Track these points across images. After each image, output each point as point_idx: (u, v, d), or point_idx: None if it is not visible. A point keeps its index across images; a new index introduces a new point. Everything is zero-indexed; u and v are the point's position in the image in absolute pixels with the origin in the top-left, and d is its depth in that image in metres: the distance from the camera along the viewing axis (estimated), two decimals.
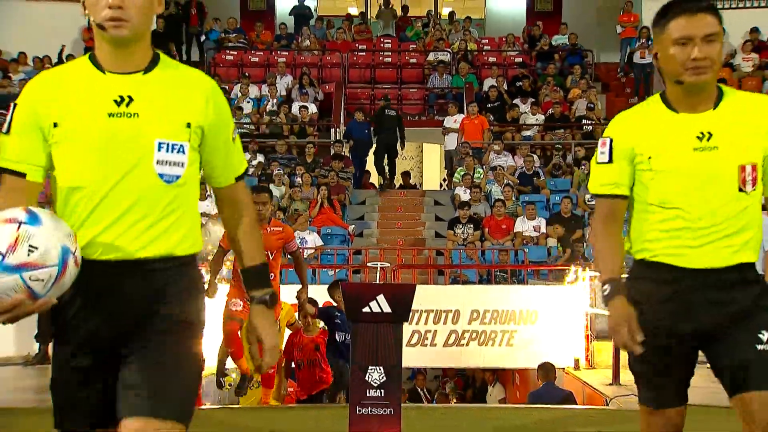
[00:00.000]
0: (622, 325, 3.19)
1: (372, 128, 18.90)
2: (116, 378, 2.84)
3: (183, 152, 2.85)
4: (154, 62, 2.91)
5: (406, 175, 21.79)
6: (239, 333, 8.03)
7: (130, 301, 2.82)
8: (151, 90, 2.85)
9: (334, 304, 9.89)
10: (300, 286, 8.38)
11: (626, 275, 3.39)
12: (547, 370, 10.46)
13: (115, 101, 2.80)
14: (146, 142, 2.80)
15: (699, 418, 7.74)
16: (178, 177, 2.85)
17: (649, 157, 3.25)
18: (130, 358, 2.83)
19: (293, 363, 9.84)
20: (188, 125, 2.86)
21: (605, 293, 3.27)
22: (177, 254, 2.88)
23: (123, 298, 2.82)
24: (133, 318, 2.83)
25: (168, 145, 2.82)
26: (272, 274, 7.80)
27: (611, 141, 3.33)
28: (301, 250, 9.04)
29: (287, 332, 9.79)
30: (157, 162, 2.81)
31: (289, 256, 8.64)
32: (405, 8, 25.08)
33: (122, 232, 2.79)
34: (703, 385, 9.69)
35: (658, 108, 3.34)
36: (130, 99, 2.81)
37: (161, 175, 2.81)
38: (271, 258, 7.75)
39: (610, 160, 3.32)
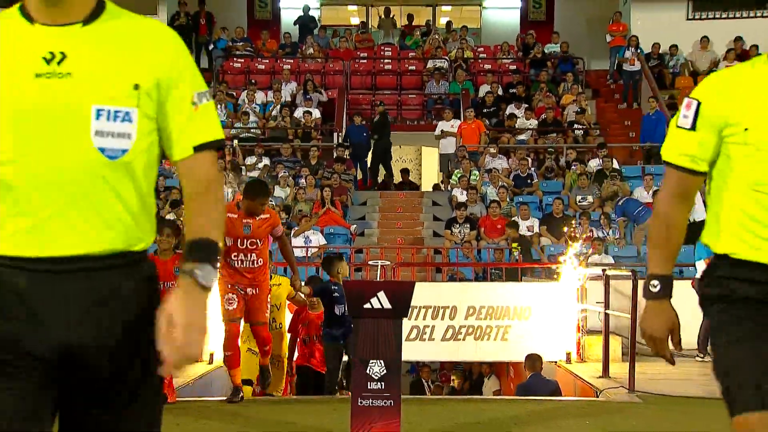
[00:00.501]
0: (662, 333, 2.78)
1: (370, 132, 18.99)
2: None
3: (130, 120, 2.24)
4: (97, 11, 2.30)
5: (405, 172, 21.86)
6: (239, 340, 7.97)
7: (66, 310, 2.20)
8: (91, 44, 2.25)
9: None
10: (292, 273, 8.26)
11: (705, 273, 2.80)
12: (533, 360, 10.44)
13: (45, 59, 2.20)
14: (81, 108, 2.20)
15: (696, 411, 7.78)
16: (124, 151, 2.24)
17: (746, 129, 2.58)
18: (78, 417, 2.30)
19: (299, 338, 9.73)
20: (136, 87, 2.25)
21: (654, 290, 2.79)
22: (124, 250, 2.27)
23: (59, 305, 2.20)
24: (76, 338, 2.21)
25: (109, 111, 2.22)
26: (261, 259, 7.68)
27: (698, 105, 2.67)
28: (285, 235, 8.75)
29: (288, 318, 9.82)
30: (96, 133, 2.21)
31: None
32: (410, 17, 25.17)
33: (55, 222, 2.20)
34: (696, 378, 9.73)
35: (762, 70, 2.67)
36: (63, 56, 2.21)
37: (102, 150, 2.21)
38: (260, 245, 7.66)
39: (693, 127, 2.67)
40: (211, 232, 2.31)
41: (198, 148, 2.34)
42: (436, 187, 20.95)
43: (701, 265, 11.14)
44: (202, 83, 2.41)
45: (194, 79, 2.38)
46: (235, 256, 7.60)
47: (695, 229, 10.63)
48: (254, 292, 7.67)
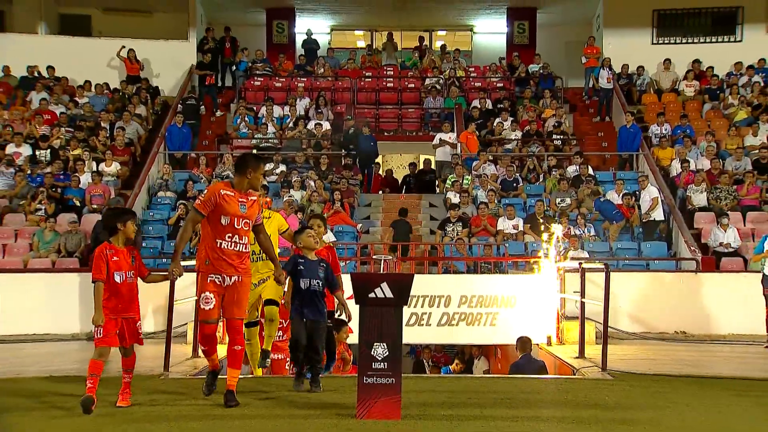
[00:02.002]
0: None
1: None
2: None
3: None
4: None
5: (389, 172, 21.96)
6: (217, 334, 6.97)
7: None
8: None
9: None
10: (275, 268, 7.11)
11: None
12: (524, 342, 10.46)
13: None
14: None
15: (659, 386, 7.78)
16: None
17: None
18: None
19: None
20: None
21: None
22: None
23: None
24: None
25: None
26: (248, 246, 6.73)
27: None
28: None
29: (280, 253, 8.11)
30: None
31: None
32: (421, 38, 25.35)
33: None
34: (659, 359, 9.67)
35: None
36: None
37: None
38: (251, 227, 6.76)
39: None
40: None
41: None
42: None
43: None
44: None
45: None
46: (229, 237, 6.60)
47: (653, 227, 10.79)
48: (238, 279, 6.65)
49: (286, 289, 7.57)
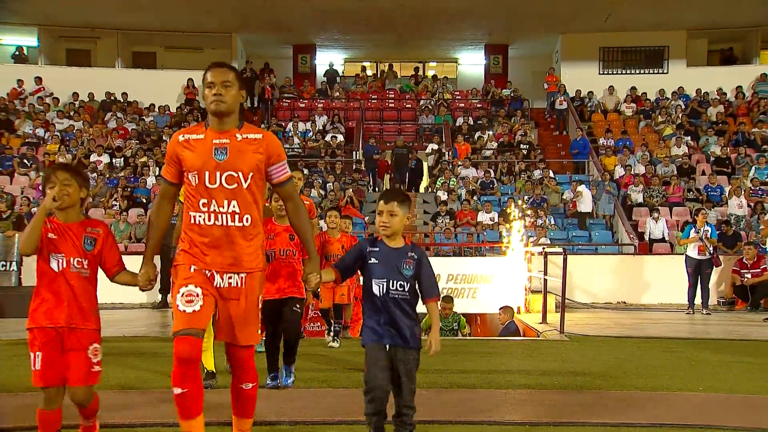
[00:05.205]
0: None
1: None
2: None
3: None
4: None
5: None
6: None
7: None
8: None
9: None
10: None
11: None
12: (509, 310, 10.39)
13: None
14: None
15: (608, 346, 7.82)
16: None
17: None
18: None
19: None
20: None
21: None
22: None
23: None
24: None
25: None
26: (248, 216, 3.32)
27: None
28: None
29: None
30: None
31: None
32: (416, 68, 25.45)
33: None
34: (607, 323, 9.71)
35: None
36: None
37: None
38: (245, 185, 3.30)
39: None
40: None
41: None
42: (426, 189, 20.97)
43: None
44: None
45: None
46: (204, 206, 3.26)
47: (583, 218, 10.77)
48: (238, 284, 3.30)
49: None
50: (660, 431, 4.27)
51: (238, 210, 3.30)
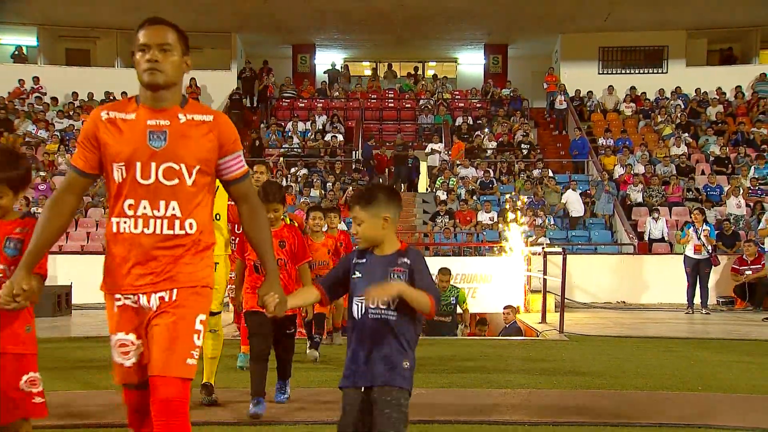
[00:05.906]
0: None
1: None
2: None
3: None
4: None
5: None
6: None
7: None
8: None
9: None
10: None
11: None
12: (512, 310, 10.39)
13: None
14: None
15: (606, 346, 7.83)
16: None
17: None
18: None
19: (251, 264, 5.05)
20: None
21: None
22: None
23: None
24: None
25: None
26: (192, 221, 2.57)
27: None
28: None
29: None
30: None
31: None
32: (416, 68, 25.40)
33: None
34: (606, 323, 9.77)
35: None
36: None
37: None
38: (189, 180, 2.56)
39: None
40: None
41: None
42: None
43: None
44: None
45: None
46: (130, 208, 2.49)
47: (575, 221, 10.78)
48: (168, 296, 2.51)
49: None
50: (660, 431, 4.27)
51: (179, 214, 2.49)
